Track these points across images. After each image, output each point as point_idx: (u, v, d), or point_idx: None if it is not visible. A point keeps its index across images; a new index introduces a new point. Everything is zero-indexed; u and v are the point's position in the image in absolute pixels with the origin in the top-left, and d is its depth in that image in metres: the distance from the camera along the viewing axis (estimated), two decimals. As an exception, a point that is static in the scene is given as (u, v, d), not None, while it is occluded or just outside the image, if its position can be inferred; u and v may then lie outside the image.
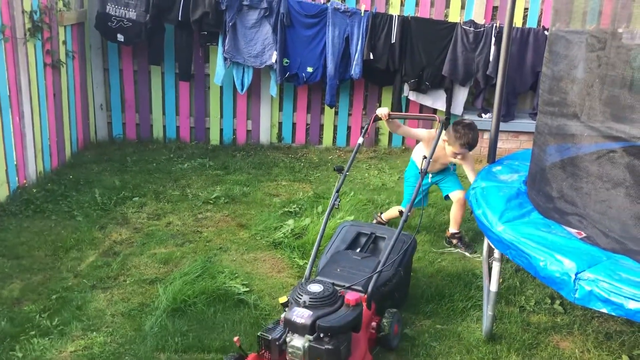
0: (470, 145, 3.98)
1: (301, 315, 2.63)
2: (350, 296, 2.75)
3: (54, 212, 4.61)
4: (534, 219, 2.95)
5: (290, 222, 4.49)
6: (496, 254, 3.06)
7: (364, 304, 2.89)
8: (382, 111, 3.74)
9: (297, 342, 2.61)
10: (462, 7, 6.51)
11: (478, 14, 6.45)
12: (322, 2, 6.31)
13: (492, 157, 3.82)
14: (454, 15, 6.48)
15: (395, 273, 3.24)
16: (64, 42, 5.65)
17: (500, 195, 3.18)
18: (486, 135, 6.41)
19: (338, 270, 3.14)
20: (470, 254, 4.20)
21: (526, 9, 6.58)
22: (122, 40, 6.11)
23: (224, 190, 5.21)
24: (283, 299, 2.82)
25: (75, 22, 5.89)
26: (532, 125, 6.14)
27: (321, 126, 6.84)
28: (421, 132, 4.26)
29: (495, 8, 6.58)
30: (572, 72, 3.20)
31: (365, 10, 6.16)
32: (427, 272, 3.91)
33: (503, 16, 6.29)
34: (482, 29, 6.18)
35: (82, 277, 3.68)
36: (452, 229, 4.31)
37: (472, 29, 6.18)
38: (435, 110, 6.77)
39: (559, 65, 3.21)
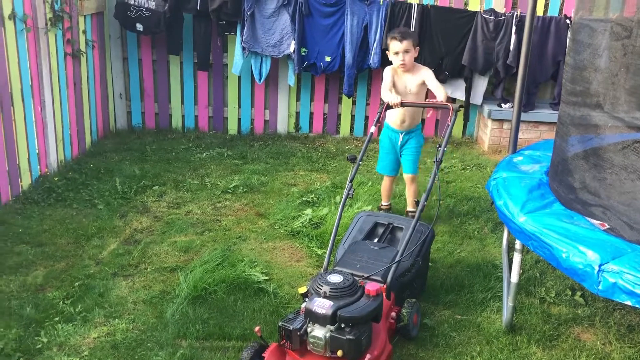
0: (400, 33, 3.92)
1: (322, 305, 2.62)
2: (371, 287, 2.74)
3: (75, 200, 4.67)
4: (556, 210, 2.92)
5: (308, 211, 4.50)
6: (517, 245, 3.05)
7: (384, 294, 2.90)
8: (395, 100, 3.72)
9: (319, 332, 2.61)
10: (482, -4, 6.44)
11: (498, 3, 6.36)
12: (340, -10, 6.27)
13: (513, 148, 3.78)
14: (474, 4, 6.41)
15: (413, 263, 3.23)
16: (84, 32, 5.69)
17: (521, 186, 3.15)
18: (506, 126, 6.36)
19: (356, 260, 3.13)
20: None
21: (548, -3, 6.49)
22: (141, 29, 6.14)
23: (242, 180, 5.23)
24: (302, 289, 2.81)
25: (95, 11, 5.92)
26: (553, 115, 6.09)
27: (339, 116, 6.83)
28: (386, 74, 4.05)
29: (516, -4, 6.50)
30: (595, 61, 3.15)
31: (384, -1, 6.12)
32: (447, 262, 3.90)
33: (524, 5, 6.21)
34: (502, 17, 6.11)
35: (104, 265, 3.73)
36: (410, 208, 4.43)
37: (492, 17, 6.11)
38: (454, 100, 6.73)
39: (583, 54, 3.15)
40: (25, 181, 4.73)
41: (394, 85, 4.03)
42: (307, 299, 2.74)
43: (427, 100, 3.94)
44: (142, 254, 3.88)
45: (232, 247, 4.01)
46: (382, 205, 4.59)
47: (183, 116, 6.72)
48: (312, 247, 4.03)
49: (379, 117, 3.71)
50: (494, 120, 6.39)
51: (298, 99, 6.74)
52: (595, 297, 3.48)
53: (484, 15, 6.13)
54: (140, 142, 6.24)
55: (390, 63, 4.14)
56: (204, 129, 6.74)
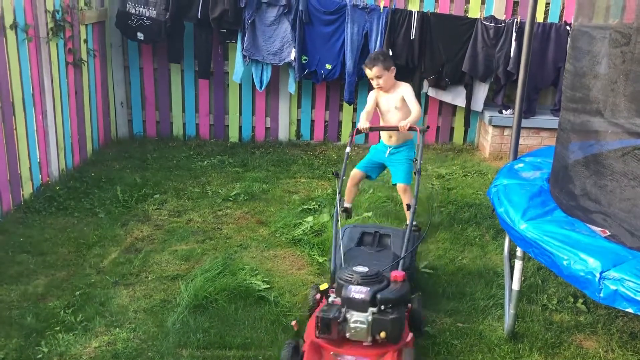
0: (370, 60, 4.08)
1: (359, 291, 2.71)
2: (397, 273, 2.85)
3: (77, 209, 4.67)
4: (557, 217, 2.91)
5: (310, 219, 4.50)
6: (519, 252, 3.04)
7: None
8: (363, 125, 3.97)
9: (360, 317, 2.67)
10: (483, 3, 6.45)
11: (498, 10, 6.38)
12: (340, -2, 6.29)
13: (514, 154, 3.78)
14: (474, 11, 6.42)
15: (412, 261, 3.43)
16: (85, 41, 5.72)
17: (522, 193, 3.15)
18: (507, 132, 6.36)
19: (360, 262, 3.11)
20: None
21: (547, 4, 6.50)
22: (142, 38, 6.17)
23: (243, 188, 5.23)
24: (324, 286, 2.94)
25: (96, 20, 5.95)
26: (554, 121, 6.08)
27: (339, 123, 6.84)
28: (370, 97, 4.23)
29: (516, 3, 6.51)
30: (595, 68, 3.15)
31: (384, 7, 6.14)
32: (448, 270, 3.89)
33: (524, 11, 6.23)
34: (502, 24, 6.12)
35: (105, 274, 3.73)
36: (406, 201, 4.24)
37: (492, 24, 6.13)
38: (455, 107, 6.73)
39: (582, 61, 3.16)
40: (27, 190, 4.74)
41: (377, 104, 4.21)
42: (330, 294, 2.86)
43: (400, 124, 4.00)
44: (143, 263, 3.88)
45: (233, 256, 4.00)
46: (345, 205, 4.38)
47: (184, 124, 6.73)
48: (314, 255, 4.03)
49: (351, 140, 3.95)
50: (494, 126, 6.39)
51: (299, 107, 6.76)
52: (597, 304, 3.46)
53: (484, 22, 6.15)
54: (142, 150, 6.25)
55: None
56: (205, 137, 6.76)
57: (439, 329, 3.25)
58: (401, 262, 3.13)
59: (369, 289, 2.71)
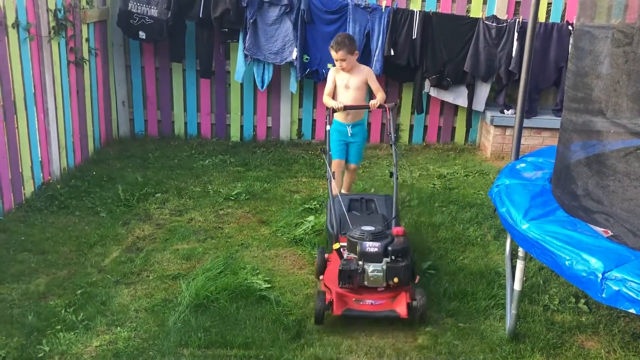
0: (335, 42, 4.43)
1: (373, 246, 3.23)
2: (398, 229, 3.35)
3: (78, 208, 4.67)
4: (559, 217, 2.90)
5: (311, 218, 4.50)
6: (520, 252, 3.03)
7: None
8: (338, 105, 4.35)
9: (376, 267, 3.21)
10: (484, 2, 6.45)
11: (500, 9, 6.37)
12: (342, -2, 6.29)
13: (515, 154, 3.77)
14: (476, 11, 6.42)
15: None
16: (87, 40, 5.72)
17: (524, 193, 3.14)
18: (509, 132, 6.35)
19: (359, 224, 3.50)
20: None
21: (549, 4, 6.49)
22: (144, 37, 6.17)
23: (244, 187, 5.23)
24: (336, 245, 3.41)
25: (98, 19, 5.95)
26: (555, 121, 6.08)
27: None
28: (329, 75, 4.63)
29: (517, 3, 6.50)
30: (597, 68, 3.14)
31: (386, 6, 6.13)
32: (450, 269, 3.89)
33: (526, 11, 6.22)
34: (504, 24, 6.11)
35: (106, 273, 3.73)
36: (344, 191, 4.74)
37: (494, 24, 6.12)
38: (456, 107, 6.73)
39: (584, 61, 3.15)
40: (28, 189, 4.74)
41: (335, 83, 4.58)
42: (344, 250, 3.35)
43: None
44: (145, 262, 3.88)
45: (234, 255, 4.00)
46: (342, 194, 4.47)
47: (186, 123, 6.73)
48: (315, 255, 4.02)
49: (328, 119, 4.29)
50: (496, 126, 6.39)
51: (300, 106, 6.76)
52: (599, 304, 3.46)
53: (486, 22, 6.14)
54: (143, 149, 6.25)
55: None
56: (206, 136, 6.76)
57: (441, 330, 3.25)
58: (394, 220, 3.68)
59: (380, 243, 3.23)
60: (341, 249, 3.37)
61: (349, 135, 4.62)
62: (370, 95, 4.91)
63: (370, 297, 3.25)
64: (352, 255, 3.30)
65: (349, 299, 3.24)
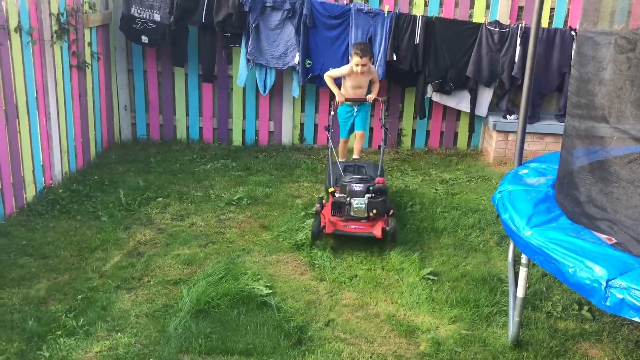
0: (360, 49, 5.18)
1: (358, 186, 4.30)
2: (379, 179, 4.49)
3: (79, 212, 4.66)
4: (563, 224, 2.88)
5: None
6: (523, 259, 3.01)
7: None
8: (340, 98, 5.29)
9: (360, 201, 4.21)
10: (487, 7, 6.44)
11: (503, 14, 6.37)
12: (345, 3, 6.29)
13: (518, 160, 3.75)
14: (479, 16, 6.41)
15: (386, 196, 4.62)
16: (90, 44, 5.72)
17: (527, 200, 3.12)
18: (512, 137, 6.33)
19: (348, 180, 4.47)
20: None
21: (552, 9, 6.48)
22: (146, 41, 6.17)
23: (246, 192, 5.22)
24: (331, 189, 4.40)
25: (101, 23, 5.96)
26: (558, 126, 6.07)
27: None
28: (343, 68, 5.45)
29: (520, 8, 6.49)
30: (600, 74, 3.13)
31: (388, 11, 6.13)
32: (452, 276, 3.87)
33: (528, 16, 6.21)
34: (507, 29, 6.10)
35: (107, 278, 3.72)
36: (355, 155, 5.50)
37: (497, 29, 6.11)
38: (459, 112, 6.72)
39: (587, 67, 3.13)
40: (30, 193, 4.73)
41: (346, 78, 5.41)
42: (337, 194, 4.34)
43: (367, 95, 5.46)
44: (146, 267, 3.87)
45: (235, 260, 3.99)
46: (339, 161, 5.38)
47: (188, 127, 6.73)
48: (316, 260, 4.01)
49: (334, 108, 5.36)
50: (499, 132, 6.37)
51: (303, 110, 6.75)
52: (602, 311, 3.43)
53: (489, 27, 6.13)
54: (145, 153, 6.25)
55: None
56: (208, 141, 6.75)
57: (443, 337, 3.23)
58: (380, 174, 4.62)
59: (364, 184, 4.30)
60: (335, 193, 4.37)
61: (355, 112, 5.50)
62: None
63: (354, 223, 4.23)
64: (343, 196, 4.31)
65: (338, 224, 4.22)
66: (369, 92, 5.49)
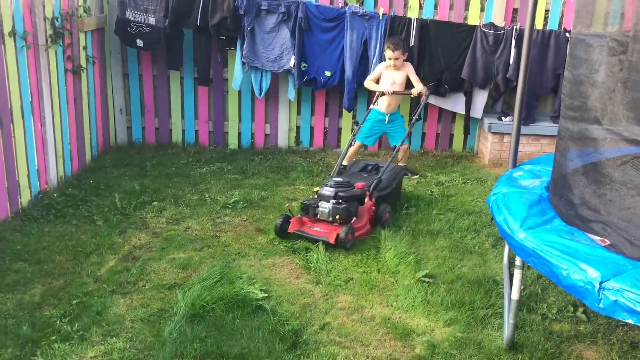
0: (392, 43, 5.46)
1: (328, 190, 4.40)
2: (359, 184, 4.60)
3: (75, 216, 4.66)
4: (557, 226, 2.89)
5: (309, 227, 4.48)
6: (518, 261, 3.02)
7: (367, 195, 4.59)
8: (389, 89, 5.45)
9: (325, 205, 4.35)
10: (482, 10, 6.45)
11: (498, 17, 6.38)
12: (340, 6, 6.30)
13: (513, 162, 3.76)
14: (474, 18, 6.42)
15: (388, 185, 4.88)
16: (85, 48, 5.72)
17: (521, 202, 3.13)
18: (507, 139, 6.35)
19: (353, 180, 4.72)
20: (413, 176, 5.91)
21: (547, 11, 6.50)
22: (142, 45, 6.17)
23: (242, 195, 5.22)
24: (316, 189, 4.55)
25: (95, 27, 5.95)
26: (553, 128, 6.08)
27: (339, 130, 6.83)
28: (377, 68, 5.77)
29: (515, 10, 6.51)
30: (593, 76, 3.14)
31: (383, 14, 6.14)
32: (447, 278, 3.87)
33: (523, 18, 6.23)
34: (502, 31, 6.12)
35: (102, 282, 3.71)
36: (401, 163, 5.81)
37: (491, 31, 6.13)
38: (454, 114, 6.73)
39: (580, 69, 3.15)
40: (25, 197, 4.72)
41: (381, 76, 5.67)
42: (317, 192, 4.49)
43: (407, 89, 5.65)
44: (141, 271, 3.86)
45: (231, 264, 3.98)
46: (344, 163, 5.66)
47: (183, 131, 6.73)
48: (311, 263, 4.01)
49: (376, 99, 5.58)
50: (494, 133, 6.38)
51: (299, 113, 6.75)
52: (597, 313, 3.43)
53: (484, 29, 6.15)
54: (141, 157, 6.24)
55: None
56: (204, 144, 6.75)
57: (438, 339, 3.23)
58: (375, 181, 4.70)
59: (334, 189, 4.38)
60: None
61: (386, 122, 5.70)
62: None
63: (320, 226, 4.34)
64: (314, 198, 4.51)
65: (305, 224, 4.36)
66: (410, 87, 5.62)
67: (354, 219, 4.35)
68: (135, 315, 3.36)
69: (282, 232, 4.32)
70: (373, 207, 4.59)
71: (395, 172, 5.09)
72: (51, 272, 3.81)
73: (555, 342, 3.23)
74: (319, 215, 4.36)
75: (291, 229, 4.29)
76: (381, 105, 5.67)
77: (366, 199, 4.57)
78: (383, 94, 5.50)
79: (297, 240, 4.31)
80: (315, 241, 4.23)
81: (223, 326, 3.25)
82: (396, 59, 5.41)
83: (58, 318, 3.29)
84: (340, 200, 4.32)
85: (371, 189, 4.66)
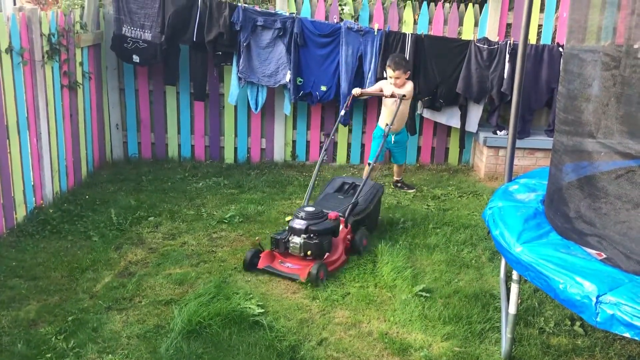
0: (393, 62, 5.31)
1: (299, 223, 4.07)
2: (331, 214, 4.24)
3: (70, 232, 4.64)
4: (553, 239, 2.90)
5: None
6: (515, 275, 3.02)
7: (342, 223, 4.31)
8: (356, 91, 5.21)
9: (296, 239, 4.03)
10: (476, 25, 6.51)
11: (491, 32, 6.44)
12: (335, 21, 6.35)
13: (508, 176, 3.78)
14: (468, 33, 6.48)
15: (366, 207, 4.60)
16: (81, 64, 5.74)
17: (517, 216, 3.14)
18: (502, 153, 6.38)
19: (327, 204, 4.53)
20: (410, 190, 5.92)
21: (540, 26, 6.56)
22: (138, 61, 6.19)
23: (238, 209, 5.21)
24: (288, 218, 4.21)
25: (92, 43, 5.97)
26: (548, 142, 6.11)
27: (335, 144, 6.85)
28: (378, 84, 5.64)
29: (509, 25, 6.58)
30: (586, 91, 3.17)
31: (378, 29, 6.18)
32: (444, 292, 3.86)
33: (516, 33, 6.29)
34: (495, 46, 6.18)
35: (98, 298, 3.69)
36: (397, 177, 5.99)
37: (485, 46, 6.18)
38: (449, 128, 6.76)
39: (574, 83, 3.17)
40: (20, 213, 4.71)
41: (380, 90, 5.48)
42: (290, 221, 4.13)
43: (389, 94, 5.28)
44: (137, 287, 3.84)
45: (227, 279, 3.97)
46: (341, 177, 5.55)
47: (179, 146, 6.73)
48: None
49: (347, 104, 5.24)
50: (489, 147, 6.41)
51: (294, 128, 6.77)
52: (594, 327, 3.43)
53: (478, 44, 6.20)
54: (137, 172, 6.24)
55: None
56: (200, 159, 6.76)
57: (435, 354, 3.22)
58: (350, 206, 4.42)
59: (305, 222, 4.05)
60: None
61: (392, 142, 5.67)
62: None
63: (291, 261, 4.08)
64: (285, 231, 4.20)
65: (276, 259, 4.11)
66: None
67: (327, 254, 4.08)
68: (131, 332, 3.34)
69: (251, 267, 4.07)
70: (349, 235, 4.34)
71: (373, 192, 4.75)
72: (46, 288, 3.79)
73: (553, 356, 3.22)
74: (290, 250, 4.06)
75: (261, 264, 4.05)
76: (383, 123, 5.60)
77: (341, 226, 4.30)
78: (354, 96, 5.21)
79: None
80: (285, 277, 4.00)
81: (220, 342, 3.23)
82: (397, 77, 5.30)
83: (53, 335, 3.26)
84: (311, 235, 4.01)
85: (346, 214, 4.38)
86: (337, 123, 5.19)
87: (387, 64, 5.35)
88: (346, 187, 4.88)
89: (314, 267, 3.88)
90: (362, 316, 3.59)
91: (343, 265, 4.19)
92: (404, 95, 5.15)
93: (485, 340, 3.36)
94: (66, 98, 5.46)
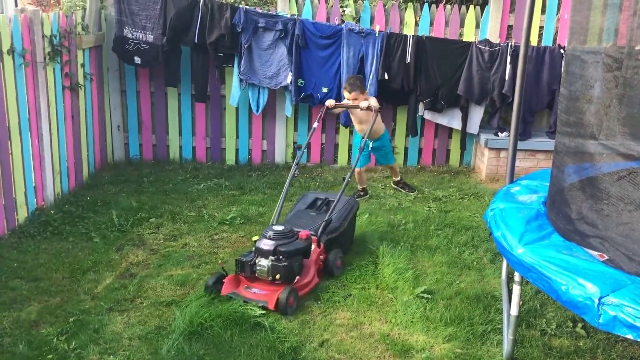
0: (349, 84, 5.27)
1: (267, 244, 3.69)
2: (302, 233, 3.83)
3: (72, 233, 4.64)
4: (555, 241, 2.90)
5: (306, 243, 4.46)
6: (516, 277, 3.02)
7: (315, 243, 3.97)
8: (330, 102, 5.13)
9: (263, 262, 3.65)
10: (477, 26, 6.52)
11: (493, 33, 6.44)
12: (336, 23, 6.35)
13: (510, 177, 3.78)
14: (469, 35, 6.48)
15: (340, 225, 4.27)
16: (82, 65, 5.74)
17: (519, 217, 3.14)
18: (503, 154, 6.37)
19: (299, 221, 4.16)
20: (410, 192, 5.91)
21: (541, 28, 6.56)
22: (139, 62, 6.20)
23: (239, 211, 5.21)
24: (255, 238, 3.84)
25: (93, 45, 5.98)
26: (549, 143, 6.11)
27: (336, 146, 6.85)
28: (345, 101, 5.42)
29: (510, 27, 6.58)
30: (588, 93, 3.17)
31: (379, 31, 6.19)
32: (446, 294, 3.86)
33: (518, 35, 6.29)
34: (497, 47, 6.17)
35: (99, 300, 3.69)
36: (395, 178, 5.99)
37: (487, 48, 6.18)
38: (451, 130, 6.76)
39: (575, 85, 3.18)
40: (22, 215, 4.71)
41: (351, 114, 5.62)
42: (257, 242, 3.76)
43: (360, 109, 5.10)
44: (138, 288, 3.84)
45: (228, 280, 3.96)
46: (359, 188, 5.79)
47: (181, 147, 6.74)
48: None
49: (320, 116, 4.98)
50: (490, 149, 6.41)
51: (296, 129, 6.77)
52: (596, 328, 3.43)
53: (479, 46, 6.20)
54: (138, 173, 6.24)
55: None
56: (201, 160, 6.76)
57: (437, 356, 3.21)
58: (323, 224, 4.09)
59: (274, 242, 3.67)
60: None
61: (370, 148, 5.53)
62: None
63: (258, 286, 3.70)
64: (251, 253, 3.82)
65: (242, 284, 3.73)
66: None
67: (298, 277, 3.72)
68: (132, 333, 3.34)
69: (212, 289, 3.69)
70: (322, 256, 4.02)
71: (348, 208, 4.40)
72: (48, 289, 3.79)
73: (555, 357, 3.22)
74: (257, 274, 3.68)
75: (224, 291, 3.65)
76: (360, 132, 5.50)
77: (313, 246, 3.94)
78: (328, 107, 5.07)
79: None
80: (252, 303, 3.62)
81: (221, 343, 3.23)
82: (354, 99, 5.16)
83: (55, 336, 3.26)
84: (280, 257, 3.63)
85: (319, 233, 4.05)
86: (310, 135, 4.88)
87: (344, 86, 5.37)
88: (319, 202, 4.51)
89: (283, 293, 3.51)
90: (364, 318, 3.58)
91: (314, 288, 3.83)
92: (380, 108, 5.18)
93: (487, 342, 3.35)
94: (68, 99, 5.46)
